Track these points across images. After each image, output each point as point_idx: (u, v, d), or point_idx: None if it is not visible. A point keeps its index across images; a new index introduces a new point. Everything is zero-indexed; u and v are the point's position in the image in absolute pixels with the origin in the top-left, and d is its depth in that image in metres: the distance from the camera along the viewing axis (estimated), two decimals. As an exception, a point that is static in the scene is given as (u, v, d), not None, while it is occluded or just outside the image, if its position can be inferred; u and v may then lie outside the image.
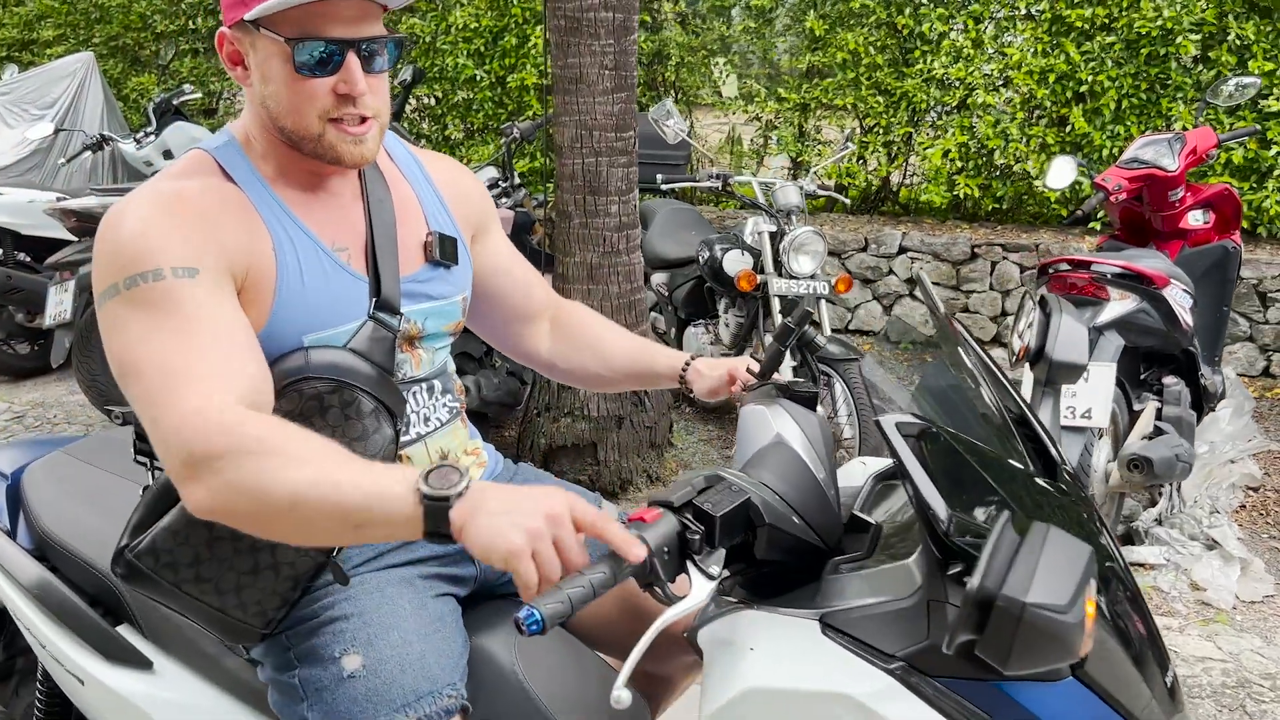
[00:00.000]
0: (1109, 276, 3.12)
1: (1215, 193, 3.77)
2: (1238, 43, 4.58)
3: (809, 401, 1.41)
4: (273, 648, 1.34)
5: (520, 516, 0.99)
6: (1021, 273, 5.24)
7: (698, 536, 1.08)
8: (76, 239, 4.49)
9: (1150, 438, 3.21)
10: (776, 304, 3.73)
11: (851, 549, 1.23)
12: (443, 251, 1.43)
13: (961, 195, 5.37)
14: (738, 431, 1.36)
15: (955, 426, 1.17)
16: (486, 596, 1.51)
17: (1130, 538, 3.43)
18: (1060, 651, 0.84)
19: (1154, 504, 3.57)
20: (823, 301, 3.82)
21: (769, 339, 3.72)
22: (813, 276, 3.75)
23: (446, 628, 1.36)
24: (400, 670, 1.27)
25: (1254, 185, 4.78)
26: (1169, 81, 4.78)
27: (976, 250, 5.28)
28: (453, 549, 1.43)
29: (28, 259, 5.15)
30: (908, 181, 6.04)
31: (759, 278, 3.78)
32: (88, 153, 5.88)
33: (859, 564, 1.20)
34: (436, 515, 1.00)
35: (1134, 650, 1.08)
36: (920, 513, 1.01)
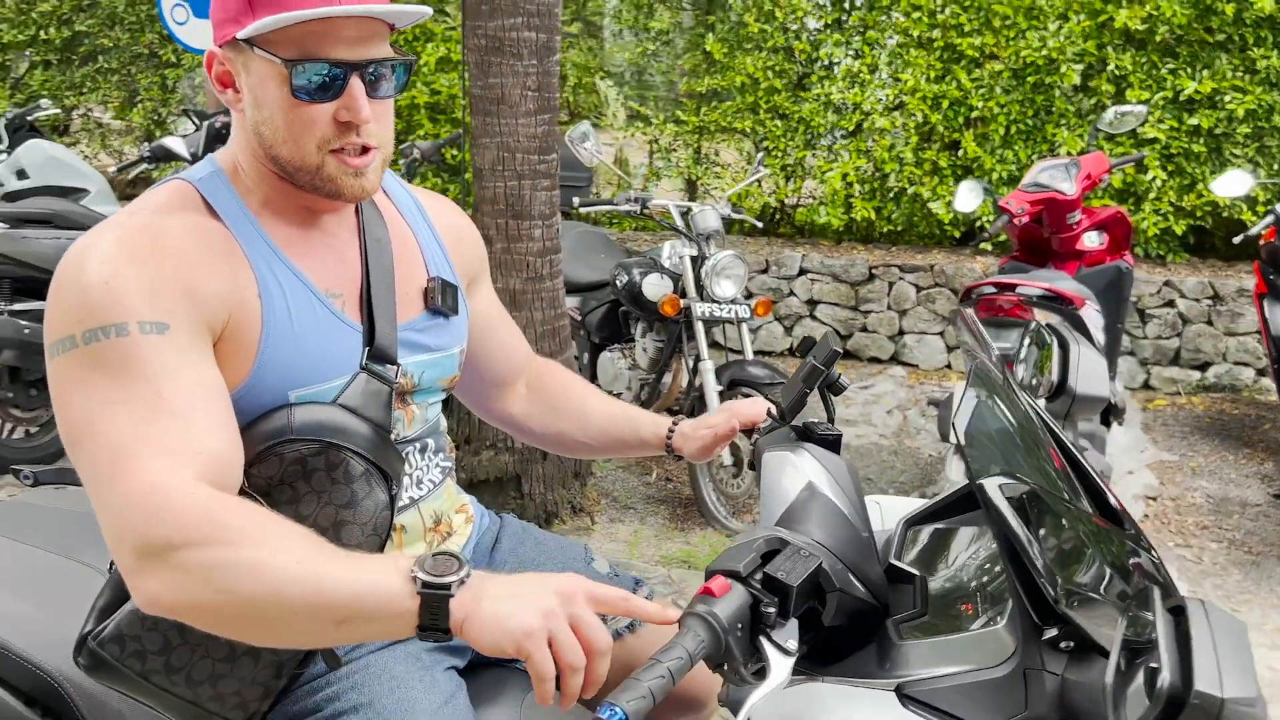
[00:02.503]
0: (1034, 298, 3.20)
1: (1109, 215, 3.95)
2: (1116, 73, 4.83)
3: (834, 445, 1.34)
4: None
5: (529, 598, 0.93)
6: (918, 292, 5.38)
7: (773, 609, 1.00)
8: (-75, 269, 4.07)
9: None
10: (700, 328, 3.69)
11: (895, 603, 1.17)
12: (444, 299, 1.30)
13: (858, 218, 5.47)
14: (761, 480, 1.28)
15: (1014, 471, 1.12)
16: (484, 665, 1.39)
17: (1049, 552, 3.52)
18: None
19: (1067, 518, 3.68)
20: (744, 325, 3.80)
21: (698, 364, 3.68)
22: (734, 300, 3.73)
23: (459, 708, 1.24)
24: None
25: (1132, 208, 5.03)
26: (1053, 108, 5.00)
27: (874, 271, 5.38)
28: None
29: None
30: (804, 203, 6.12)
31: (682, 302, 3.73)
32: (-72, 172, 5.38)
33: (918, 623, 1.14)
34: (436, 606, 0.92)
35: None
36: (1018, 581, 0.95)
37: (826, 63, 5.39)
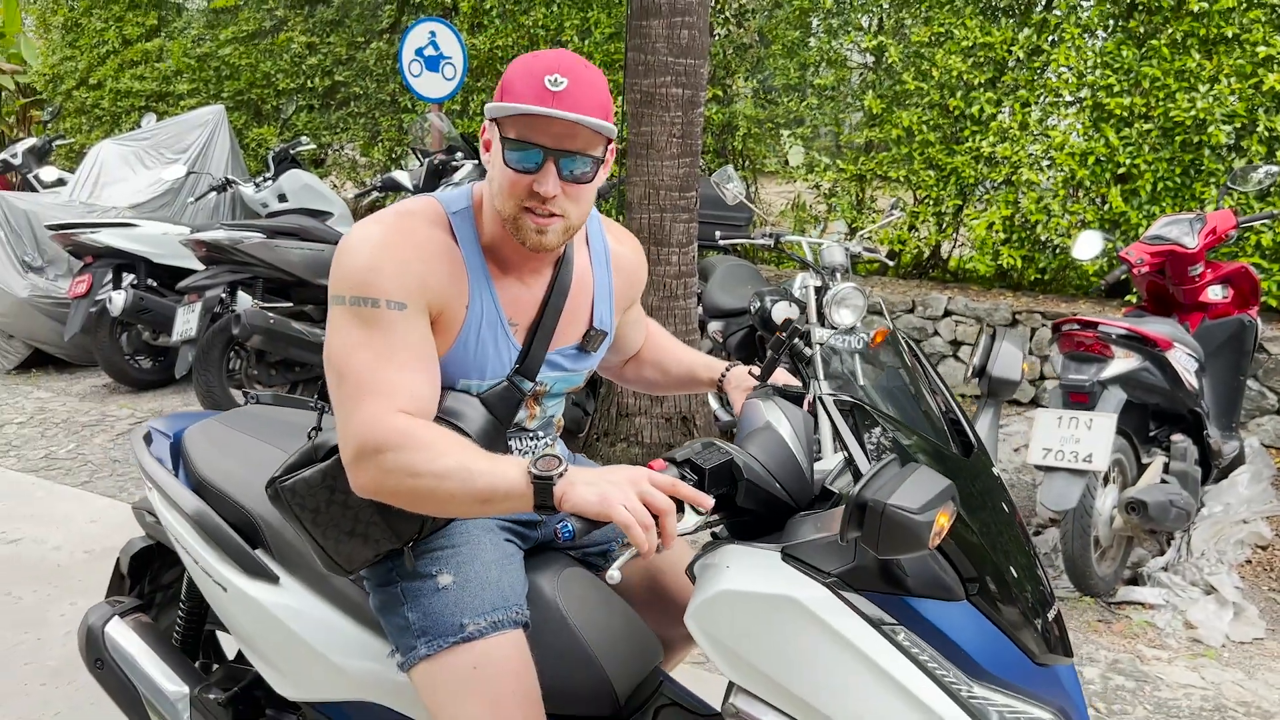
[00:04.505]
0: (1114, 337, 3.44)
1: (1233, 270, 4.05)
2: (1267, 134, 4.88)
3: (797, 399, 1.81)
4: (378, 567, 1.66)
5: (606, 484, 1.31)
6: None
7: (691, 483, 1.47)
8: (204, 266, 5.10)
9: (1155, 488, 3.50)
10: (818, 351, 4.10)
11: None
12: (594, 344, 1.73)
13: (1005, 265, 5.70)
14: (739, 421, 1.76)
15: (900, 417, 1.55)
16: (541, 548, 1.87)
17: (1136, 581, 3.69)
18: (913, 542, 1.20)
19: (1163, 553, 3.83)
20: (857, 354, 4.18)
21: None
22: (852, 329, 4.12)
23: (514, 565, 1.68)
24: (482, 588, 1.60)
25: (1286, 266, 5.02)
26: (1202, 167, 5.09)
27: (1017, 316, 5.59)
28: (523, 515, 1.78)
29: (155, 284, 5.81)
30: (957, 251, 6.38)
31: (803, 328, 4.16)
32: (213, 193, 6.59)
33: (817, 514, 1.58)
34: (543, 491, 1.32)
35: (1015, 587, 1.43)
36: (850, 463, 1.39)
37: (979, 118, 5.68)
